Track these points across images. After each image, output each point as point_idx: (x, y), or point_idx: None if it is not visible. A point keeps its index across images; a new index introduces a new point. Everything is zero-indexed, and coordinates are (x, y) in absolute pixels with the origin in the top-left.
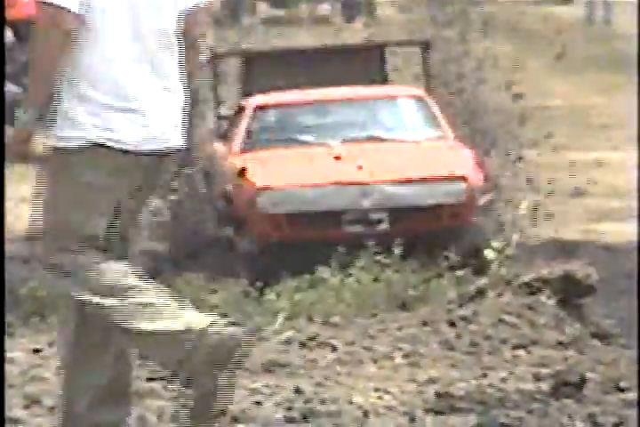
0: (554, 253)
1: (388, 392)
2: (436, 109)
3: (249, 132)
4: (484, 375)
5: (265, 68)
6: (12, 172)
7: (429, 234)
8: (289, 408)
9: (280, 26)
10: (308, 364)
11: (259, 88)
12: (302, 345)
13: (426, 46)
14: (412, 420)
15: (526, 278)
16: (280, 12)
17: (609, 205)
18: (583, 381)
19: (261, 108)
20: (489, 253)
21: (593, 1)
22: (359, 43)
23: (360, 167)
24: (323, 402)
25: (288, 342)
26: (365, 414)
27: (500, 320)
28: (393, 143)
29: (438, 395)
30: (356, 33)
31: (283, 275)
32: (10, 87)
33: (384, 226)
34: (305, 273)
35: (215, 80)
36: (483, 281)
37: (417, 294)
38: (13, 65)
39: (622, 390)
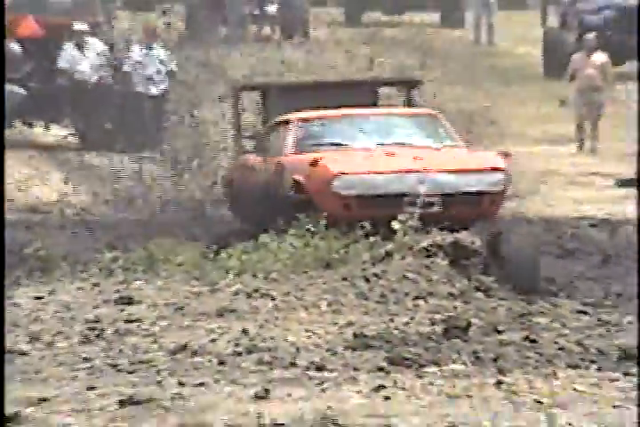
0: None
1: (315, 333)
2: (448, 125)
3: (297, 139)
4: (391, 320)
5: (280, 98)
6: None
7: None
8: (237, 345)
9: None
10: (252, 310)
11: (276, 113)
12: (248, 295)
13: (415, 84)
14: (334, 354)
15: (424, 244)
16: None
17: None
18: (469, 325)
19: (304, 120)
20: (395, 224)
21: (479, 25)
22: (359, 79)
23: (416, 158)
24: (264, 340)
25: (237, 293)
26: (297, 349)
27: (404, 277)
28: (422, 148)
29: (355, 335)
30: (293, 47)
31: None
32: (16, 89)
33: (436, 208)
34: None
35: (239, 107)
36: (390, 246)
37: (338, 256)
38: (20, 72)
39: (500, 332)
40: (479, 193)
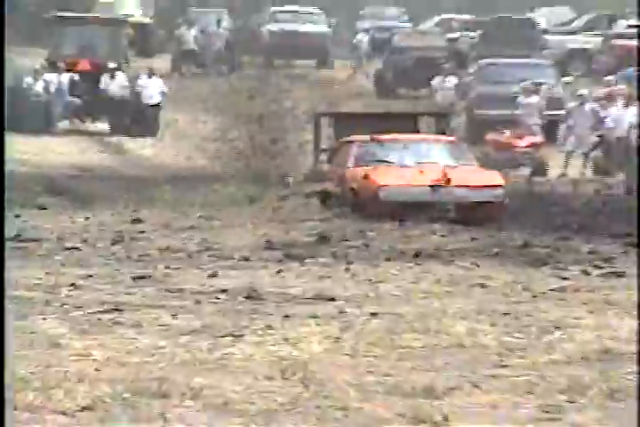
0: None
1: (243, 239)
2: (465, 148)
3: (356, 156)
4: (287, 233)
5: (346, 123)
6: None
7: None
8: (199, 246)
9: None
10: (209, 226)
11: (343, 135)
12: (207, 219)
13: (444, 116)
14: (254, 252)
15: (307, 191)
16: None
17: None
18: (330, 237)
19: (363, 142)
20: (289, 179)
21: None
22: (405, 111)
23: (439, 175)
24: (215, 243)
25: (200, 217)
26: (234, 249)
27: (295, 209)
28: (447, 166)
29: (266, 241)
30: (231, 79)
31: None
32: (76, 100)
33: (452, 214)
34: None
35: (319, 128)
36: (286, 192)
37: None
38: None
39: (347, 240)
40: (484, 203)
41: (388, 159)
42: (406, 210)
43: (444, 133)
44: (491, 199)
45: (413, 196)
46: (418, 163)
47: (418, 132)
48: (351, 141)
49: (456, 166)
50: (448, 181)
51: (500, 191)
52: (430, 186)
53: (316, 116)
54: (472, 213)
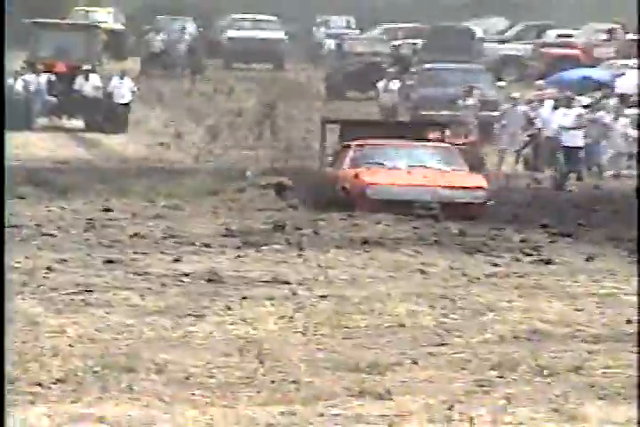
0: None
1: (206, 228)
2: (457, 155)
3: (351, 159)
4: (245, 220)
5: (353, 129)
6: None
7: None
8: (164, 233)
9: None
10: (174, 214)
11: (348, 140)
12: (172, 208)
13: (445, 126)
14: (215, 239)
15: (263, 183)
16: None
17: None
18: (284, 225)
19: (359, 146)
20: (248, 173)
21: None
22: (409, 120)
23: (424, 177)
24: (180, 231)
25: (165, 206)
26: (195, 236)
27: (252, 200)
28: (435, 169)
29: (226, 229)
30: (195, 80)
31: None
32: (53, 99)
33: (435, 211)
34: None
35: (325, 134)
36: (244, 184)
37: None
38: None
39: (300, 229)
40: (466, 203)
41: (382, 162)
42: (392, 207)
43: (442, 141)
44: (472, 200)
45: (399, 194)
46: (410, 166)
47: (422, 139)
48: (349, 145)
49: (445, 170)
50: (433, 182)
51: (480, 193)
52: (416, 185)
53: (322, 122)
54: (454, 212)
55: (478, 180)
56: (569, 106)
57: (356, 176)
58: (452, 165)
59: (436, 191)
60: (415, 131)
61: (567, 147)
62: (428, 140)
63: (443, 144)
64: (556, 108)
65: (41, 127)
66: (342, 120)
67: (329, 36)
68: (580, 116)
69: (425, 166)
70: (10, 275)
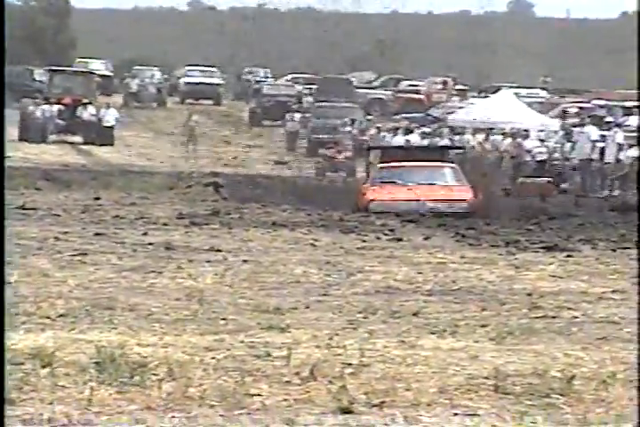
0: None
1: (163, 212)
2: (459, 172)
3: (372, 178)
4: (186, 208)
5: (390, 154)
6: None
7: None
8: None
9: (134, 109)
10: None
11: (389, 161)
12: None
13: (462, 148)
14: (167, 222)
15: (204, 182)
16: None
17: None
18: (218, 212)
19: (380, 167)
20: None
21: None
22: (430, 145)
23: (417, 193)
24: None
25: (143, 196)
26: (151, 222)
27: (197, 194)
28: (431, 185)
29: (180, 213)
30: (160, 111)
31: None
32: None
33: (428, 219)
34: None
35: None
36: (192, 182)
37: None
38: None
39: (229, 214)
40: (453, 213)
41: (395, 180)
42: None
43: (452, 162)
44: (456, 210)
45: (395, 208)
46: (419, 183)
47: (444, 160)
48: (374, 167)
49: (440, 185)
50: (424, 196)
51: (464, 204)
52: (409, 200)
53: (367, 148)
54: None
55: (464, 194)
56: (412, 133)
57: (363, 194)
58: (453, 182)
59: (425, 204)
60: (438, 153)
61: None
62: (438, 161)
63: (448, 164)
64: (406, 134)
65: (52, 141)
66: (383, 146)
67: (252, 82)
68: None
69: (430, 183)
70: (29, 242)
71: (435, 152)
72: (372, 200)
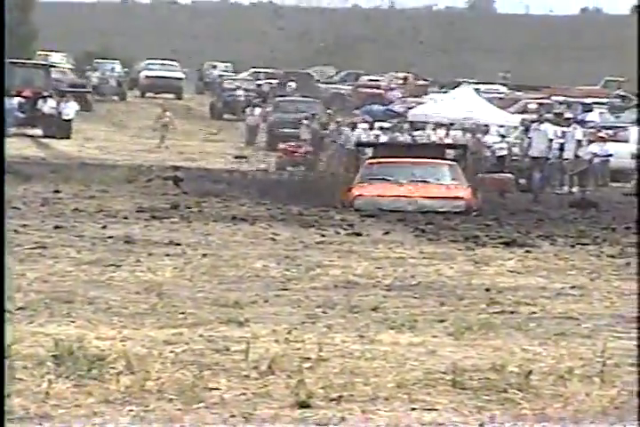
0: None
1: (141, 203)
2: (459, 170)
3: (362, 174)
4: (172, 200)
5: (382, 150)
6: None
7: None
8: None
9: (94, 102)
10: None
11: (380, 158)
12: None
13: (465, 147)
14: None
15: (165, 175)
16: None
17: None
18: (177, 205)
19: (370, 163)
20: (154, 167)
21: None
22: (429, 142)
23: (410, 190)
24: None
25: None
26: (131, 211)
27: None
28: (433, 184)
29: (169, 203)
30: (122, 104)
31: None
32: (21, 114)
33: (418, 218)
34: None
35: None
36: (152, 176)
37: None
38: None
39: (199, 204)
40: (445, 212)
41: (387, 177)
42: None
43: (456, 161)
44: (451, 209)
45: (383, 205)
46: (411, 181)
47: (442, 158)
48: (364, 163)
49: (435, 183)
50: (416, 193)
51: (460, 203)
52: (399, 196)
53: (357, 145)
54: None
55: (461, 192)
56: (372, 128)
57: (349, 189)
58: (450, 180)
59: (416, 202)
60: (435, 151)
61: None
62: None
63: (446, 161)
64: (366, 129)
65: (12, 134)
66: (374, 143)
67: (214, 76)
68: (377, 135)
69: (425, 181)
70: None
71: (431, 149)
72: (358, 196)
